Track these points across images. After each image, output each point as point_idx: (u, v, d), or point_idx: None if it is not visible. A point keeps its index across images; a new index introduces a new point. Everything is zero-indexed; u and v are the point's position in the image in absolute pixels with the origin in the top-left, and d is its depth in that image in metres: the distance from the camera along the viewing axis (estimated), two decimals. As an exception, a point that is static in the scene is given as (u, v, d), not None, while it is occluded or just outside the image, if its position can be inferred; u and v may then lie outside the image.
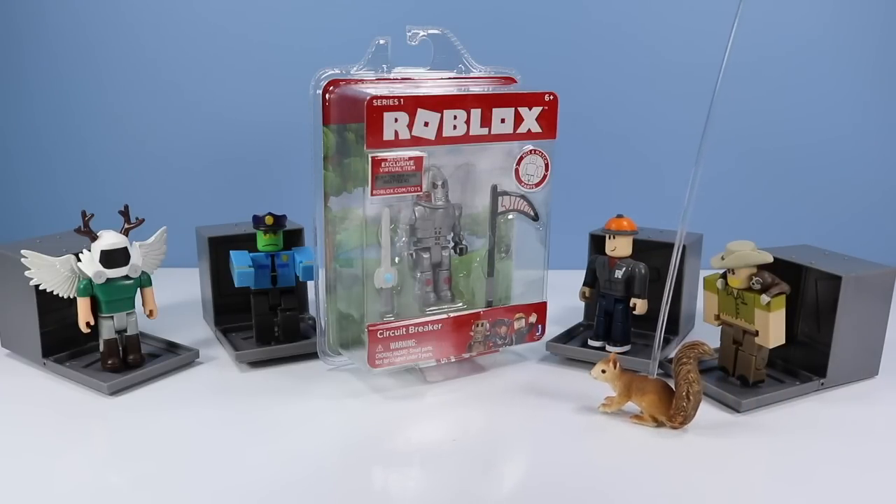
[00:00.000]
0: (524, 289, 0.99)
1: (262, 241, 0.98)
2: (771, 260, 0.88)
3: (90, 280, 0.89)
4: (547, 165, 0.94)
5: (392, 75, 0.91)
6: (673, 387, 0.81)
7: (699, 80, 1.34)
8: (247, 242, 1.01)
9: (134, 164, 1.39)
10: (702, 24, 1.33)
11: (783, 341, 0.88)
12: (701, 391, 0.80)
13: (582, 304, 1.07)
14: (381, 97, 0.82)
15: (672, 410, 0.80)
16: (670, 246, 1.02)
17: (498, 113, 0.88)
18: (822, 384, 0.90)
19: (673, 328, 1.04)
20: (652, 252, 1.01)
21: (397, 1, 1.32)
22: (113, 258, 0.89)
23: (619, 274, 0.96)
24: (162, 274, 0.99)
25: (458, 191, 0.93)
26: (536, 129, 0.90)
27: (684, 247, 1.01)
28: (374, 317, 0.90)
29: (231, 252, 0.99)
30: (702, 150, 0.80)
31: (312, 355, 0.98)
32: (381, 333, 0.88)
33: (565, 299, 1.11)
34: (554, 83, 0.91)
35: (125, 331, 0.93)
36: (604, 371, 0.83)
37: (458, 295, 0.96)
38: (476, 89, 0.91)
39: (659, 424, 0.82)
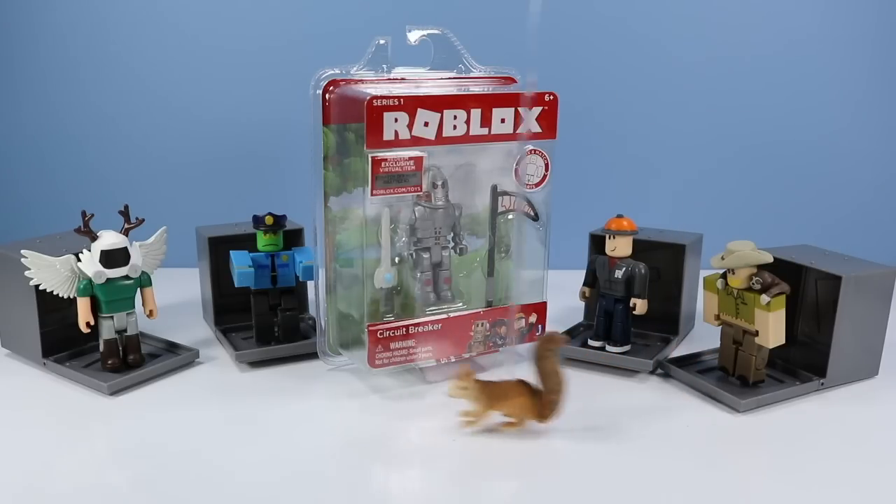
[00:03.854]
0: (524, 289, 0.99)
1: (262, 241, 0.98)
2: (771, 260, 0.88)
3: (90, 280, 0.89)
4: (547, 165, 0.94)
5: (392, 75, 0.91)
6: (527, 382, 0.79)
7: (699, 79, 1.35)
8: (247, 242, 1.01)
9: (134, 164, 1.39)
10: (701, 23, 1.33)
11: (783, 341, 0.88)
12: (565, 380, 0.78)
13: (582, 304, 1.07)
14: (381, 97, 0.82)
15: (544, 408, 0.79)
16: (670, 246, 1.03)
17: (498, 113, 0.88)
18: (822, 384, 0.90)
19: (673, 328, 1.04)
20: (652, 252, 1.01)
21: (397, 1, 1.32)
22: (113, 258, 0.89)
23: (619, 274, 0.96)
24: (162, 274, 0.99)
25: (458, 191, 0.93)
26: (536, 129, 0.90)
27: (684, 247, 1.02)
28: (374, 317, 0.90)
29: (231, 252, 0.99)
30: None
31: (312, 355, 0.97)
32: (381, 333, 0.88)
33: (565, 299, 1.11)
34: (554, 83, 0.91)
35: (125, 331, 0.93)
36: (465, 388, 0.79)
37: (458, 295, 0.96)
38: (476, 89, 0.91)
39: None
